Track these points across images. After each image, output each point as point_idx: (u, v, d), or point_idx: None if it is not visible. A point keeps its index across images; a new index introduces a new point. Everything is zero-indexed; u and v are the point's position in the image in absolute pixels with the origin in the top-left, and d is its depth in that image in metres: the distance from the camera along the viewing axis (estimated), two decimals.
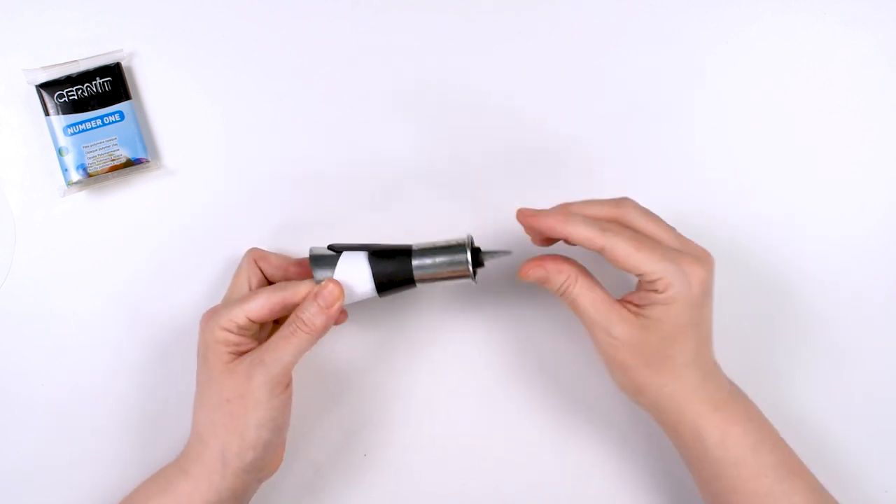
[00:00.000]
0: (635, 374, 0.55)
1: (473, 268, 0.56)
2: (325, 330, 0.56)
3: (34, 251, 0.64)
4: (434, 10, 0.66)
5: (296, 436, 0.64)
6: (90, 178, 0.63)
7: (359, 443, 0.65)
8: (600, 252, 0.53)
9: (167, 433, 0.63)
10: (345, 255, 0.57)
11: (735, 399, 0.57)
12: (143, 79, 0.64)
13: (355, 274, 0.57)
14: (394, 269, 0.57)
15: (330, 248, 0.58)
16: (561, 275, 0.55)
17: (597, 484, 0.65)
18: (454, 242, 0.57)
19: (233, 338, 0.56)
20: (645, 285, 0.54)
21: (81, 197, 0.64)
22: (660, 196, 0.65)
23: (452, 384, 0.65)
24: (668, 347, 0.54)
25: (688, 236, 0.56)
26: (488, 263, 0.58)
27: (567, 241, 0.55)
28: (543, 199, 0.57)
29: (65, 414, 0.64)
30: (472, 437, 0.65)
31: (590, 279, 0.55)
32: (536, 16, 0.66)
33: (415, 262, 0.57)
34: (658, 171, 0.66)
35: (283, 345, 0.55)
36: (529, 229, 0.56)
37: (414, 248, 0.57)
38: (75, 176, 0.63)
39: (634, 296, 0.55)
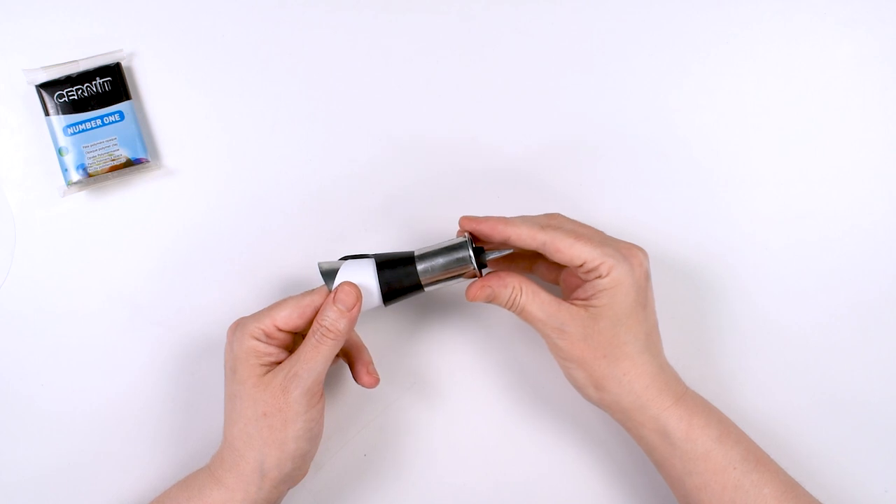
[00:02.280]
0: (593, 367, 0.55)
1: (477, 265, 0.57)
2: (348, 333, 0.56)
3: (34, 251, 0.64)
4: (436, 11, 0.66)
5: None
6: (90, 178, 0.63)
7: (359, 443, 0.65)
8: (541, 247, 0.55)
9: (167, 432, 0.64)
10: (350, 264, 0.57)
11: (692, 393, 0.57)
12: (143, 79, 0.64)
13: (361, 282, 0.56)
14: (399, 275, 0.57)
15: (341, 260, 0.58)
16: (506, 289, 0.56)
17: (595, 483, 0.65)
18: (455, 242, 0.57)
19: (262, 347, 0.56)
20: (588, 275, 0.55)
21: (81, 197, 0.64)
22: (660, 196, 0.66)
23: (452, 385, 0.65)
24: (620, 333, 0.55)
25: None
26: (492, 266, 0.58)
27: (507, 244, 0.56)
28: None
29: (65, 414, 0.64)
30: (472, 437, 0.65)
31: (534, 286, 0.56)
32: (536, 15, 0.66)
33: (419, 267, 0.57)
34: (658, 171, 0.66)
35: (312, 355, 0.55)
36: (470, 231, 0.58)
37: (416, 253, 0.57)
38: (75, 176, 0.62)
39: (580, 291, 0.56)
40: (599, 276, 0.54)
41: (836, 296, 0.65)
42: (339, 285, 0.56)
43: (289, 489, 0.58)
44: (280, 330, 0.56)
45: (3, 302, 0.64)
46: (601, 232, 0.58)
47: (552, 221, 0.57)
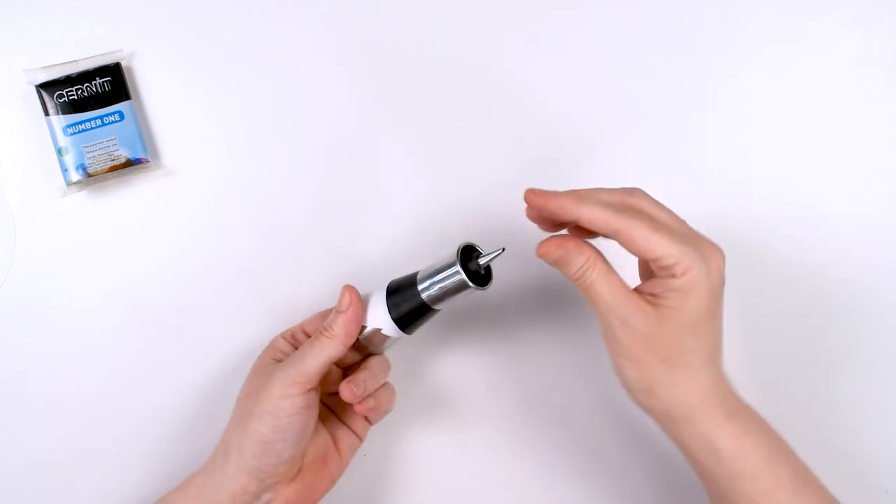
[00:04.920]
0: (649, 370, 0.51)
1: (470, 277, 0.54)
2: (344, 336, 0.55)
3: (34, 251, 0.64)
4: (440, 8, 0.66)
5: None
6: (90, 178, 0.63)
7: None
8: (614, 235, 0.50)
9: (167, 433, 0.64)
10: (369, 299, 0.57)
11: (745, 408, 0.54)
12: (143, 79, 0.64)
13: (376, 310, 0.57)
14: (405, 297, 0.56)
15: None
16: (581, 256, 0.51)
17: (595, 483, 0.65)
18: (449, 258, 0.55)
19: (282, 343, 0.58)
20: (661, 271, 0.50)
21: (81, 197, 0.64)
22: (661, 196, 0.66)
23: (453, 385, 0.65)
24: (686, 341, 0.51)
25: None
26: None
27: (576, 226, 0.52)
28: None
29: (64, 414, 0.64)
30: (473, 437, 0.65)
31: (607, 265, 0.52)
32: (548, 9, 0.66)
33: (420, 286, 0.56)
34: (658, 171, 0.66)
35: (305, 350, 0.55)
36: (537, 211, 0.52)
37: (419, 273, 0.56)
38: (75, 176, 0.63)
39: (649, 284, 0.51)
40: (673, 276, 0.50)
41: (836, 295, 0.65)
42: (342, 289, 0.56)
43: (261, 492, 0.55)
44: (305, 333, 0.58)
45: (3, 302, 0.64)
46: (684, 222, 0.53)
47: (630, 200, 0.52)
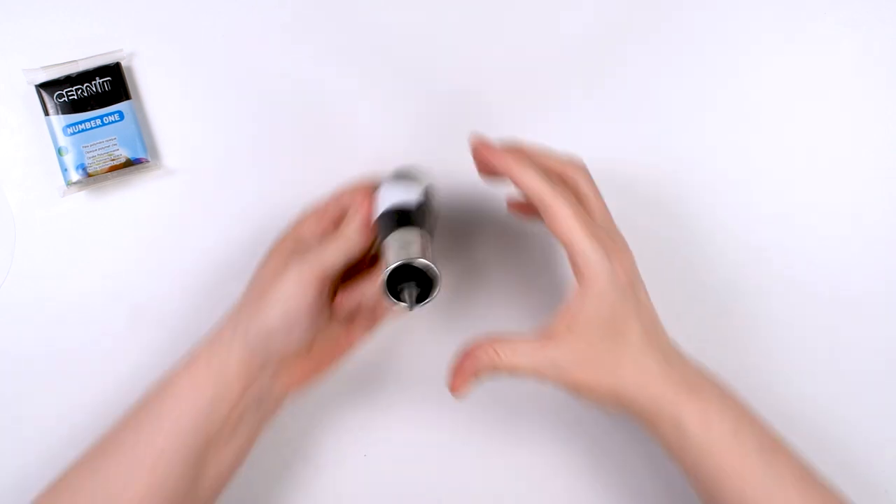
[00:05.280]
0: (601, 386, 0.53)
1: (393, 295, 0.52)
2: (361, 238, 0.55)
3: (34, 251, 0.64)
4: (437, 11, 0.66)
5: (296, 436, 0.64)
6: (90, 178, 0.63)
7: (359, 443, 0.65)
8: (541, 209, 0.52)
9: None
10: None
11: (707, 381, 0.55)
12: (143, 79, 0.64)
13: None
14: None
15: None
16: (481, 363, 0.53)
17: (596, 483, 0.65)
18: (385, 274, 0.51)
19: (306, 231, 0.58)
20: (570, 261, 0.52)
21: (81, 197, 0.64)
22: (659, 196, 0.66)
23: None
24: (615, 345, 0.53)
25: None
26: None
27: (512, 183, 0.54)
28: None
29: (64, 414, 0.64)
30: (473, 437, 0.65)
31: (506, 340, 0.53)
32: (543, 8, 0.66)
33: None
34: (657, 171, 0.66)
35: (324, 247, 0.56)
36: (481, 160, 0.55)
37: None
38: (75, 176, 0.63)
39: (562, 311, 0.53)
40: (581, 282, 0.52)
41: (835, 296, 0.65)
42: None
43: (271, 378, 0.56)
44: (330, 218, 0.58)
45: (3, 302, 0.64)
46: (608, 214, 0.55)
47: (570, 172, 0.55)
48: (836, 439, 0.64)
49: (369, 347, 0.65)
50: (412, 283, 0.51)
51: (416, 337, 0.65)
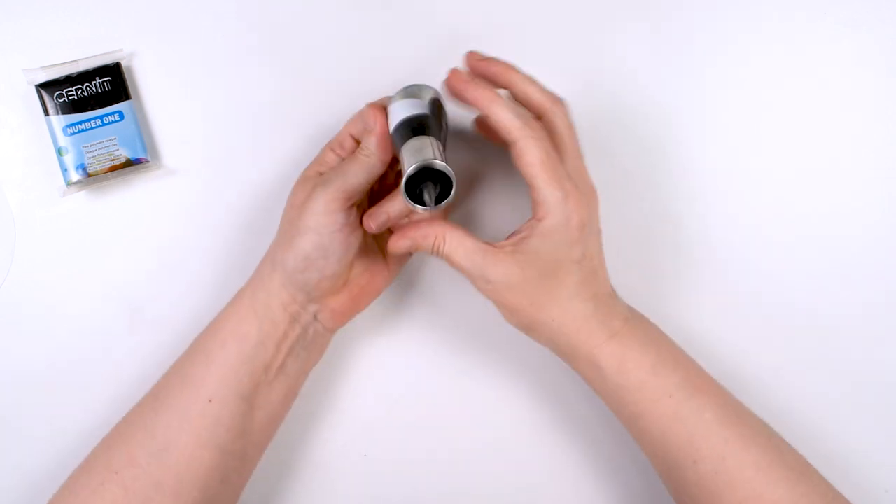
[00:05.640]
0: (523, 314, 0.55)
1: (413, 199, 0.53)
2: (380, 153, 0.55)
3: (34, 251, 0.64)
4: (435, 13, 0.66)
5: (296, 436, 0.64)
6: (90, 178, 0.63)
7: (359, 443, 0.65)
8: (510, 144, 0.53)
9: None
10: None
11: (632, 325, 0.56)
12: (143, 79, 0.64)
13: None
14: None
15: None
16: (427, 239, 0.55)
17: (596, 483, 0.65)
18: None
19: (329, 156, 0.58)
20: (532, 203, 0.54)
21: (81, 197, 0.64)
22: (657, 196, 0.66)
23: (453, 385, 0.65)
24: (549, 283, 0.54)
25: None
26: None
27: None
28: None
29: (64, 414, 0.64)
30: (474, 436, 0.65)
31: (459, 232, 0.55)
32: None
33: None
34: (657, 171, 0.66)
35: (345, 166, 0.56)
36: (453, 89, 0.55)
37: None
38: (75, 176, 0.63)
39: (513, 235, 0.55)
40: (535, 216, 0.53)
41: (835, 296, 0.65)
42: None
43: (308, 303, 0.57)
44: (353, 138, 0.58)
45: (3, 302, 0.64)
46: (579, 154, 0.56)
47: (546, 107, 0.55)
48: (837, 439, 0.64)
49: (370, 348, 0.65)
50: (430, 184, 0.53)
51: (416, 339, 0.65)
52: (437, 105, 0.58)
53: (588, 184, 0.56)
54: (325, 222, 0.55)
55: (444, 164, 0.52)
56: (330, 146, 0.60)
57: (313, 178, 0.58)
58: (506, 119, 0.53)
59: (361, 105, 0.58)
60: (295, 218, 0.56)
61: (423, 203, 0.52)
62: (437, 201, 0.52)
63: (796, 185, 0.66)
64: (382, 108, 0.57)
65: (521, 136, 0.53)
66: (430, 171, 0.52)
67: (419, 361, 0.65)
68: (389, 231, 0.59)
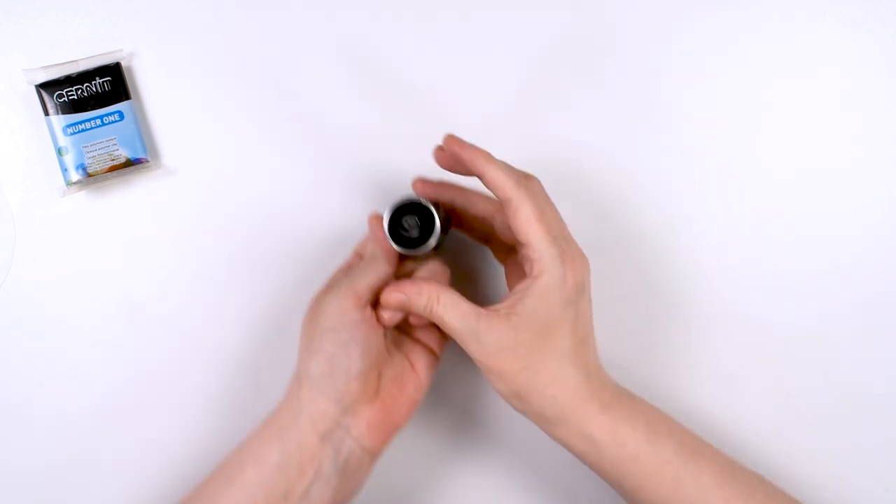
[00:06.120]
0: (514, 380, 0.53)
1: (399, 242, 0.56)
2: (384, 254, 0.57)
3: (34, 251, 0.64)
4: (433, 17, 0.66)
5: None
6: (90, 178, 0.63)
7: None
8: (505, 203, 0.53)
9: (167, 433, 0.64)
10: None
11: (621, 397, 0.56)
12: (143, 79, 0.65)
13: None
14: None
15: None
16: (421, 297, 0.54)
17: (598, 483, 0.65)
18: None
19: (339, 275, 0.59)
20: (524, 261, 0.53)
21: (81, 197, 0.64)
22: (656, 196, 0.66)
23: (454, 384, 0.65)
24: (543, 346, 0.53)
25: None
26: None
27: (480, 179, 0.54)
28: None
29: (63, 415, 0.64)
30: (474, 436, 0.65)
31: (455, 295, 0.54)
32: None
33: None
34: (656, 171, 0.66)
35: (354, 271, 0.57)
36: (450, 154, 0.55)
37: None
38: (75, 176, 0.63)
39: (505, 297, 0.54)
40: (531, 275, 0.53)
41: (835, 296, 0.65)
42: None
43: (340, 415, 0.54)
44: (361, 258, 0.59)
45: (3, 302, 0.64)
46: (563, 224, 0.55)
47: (529, 184, 0.54)
48: (837, 438, 0.64)
49: None
50: (411, 215, 0.54)
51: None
52: (428, 202, 0.58)
53: (578, 248, 0.55)
54: (341, 321, 0.54)
55: (421, 198, 0.53)
56: (340, 269, 0.60)
57: (325, 292, 0.57)
58: (500, 177, 0.53)
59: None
60: (311, 329, 0.55)
61: (408, 244, 0.54)
62: (422, 236, 0.54)
63: (795, 185, 0.66)
64: (379, 217, 0.58)
65: (516, 194, 0.52)
66: (419, 215, 0.55)
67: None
68: (411, 338, 0.59)
